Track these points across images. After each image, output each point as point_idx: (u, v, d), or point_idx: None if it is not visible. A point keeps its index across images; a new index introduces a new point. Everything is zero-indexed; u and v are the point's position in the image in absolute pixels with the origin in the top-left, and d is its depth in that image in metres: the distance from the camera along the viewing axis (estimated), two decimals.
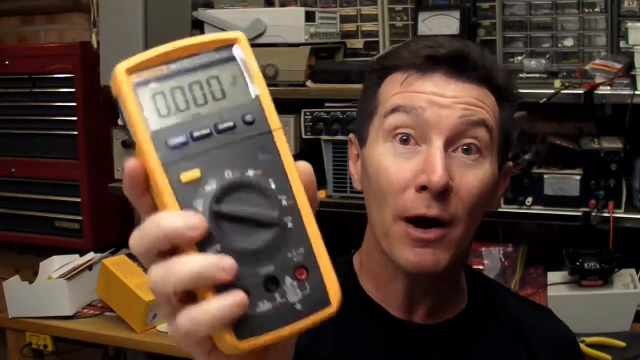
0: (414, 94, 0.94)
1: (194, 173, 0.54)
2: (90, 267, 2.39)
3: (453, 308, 1.04)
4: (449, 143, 0.92)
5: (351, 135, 1.06)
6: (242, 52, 0.57)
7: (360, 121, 1.02)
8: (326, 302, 0.55)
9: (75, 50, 2.76)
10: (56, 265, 2.41)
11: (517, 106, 1.03)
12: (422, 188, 0.90)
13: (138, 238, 0.54)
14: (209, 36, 0.57)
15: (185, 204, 0.53)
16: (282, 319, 0.53)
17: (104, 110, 2.67)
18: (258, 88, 0.57)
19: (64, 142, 2.82)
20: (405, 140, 0.94)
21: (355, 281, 1.04)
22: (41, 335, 2.40)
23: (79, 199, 2.82)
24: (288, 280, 0.54)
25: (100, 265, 2.29)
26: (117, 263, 2.28)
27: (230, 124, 0.55)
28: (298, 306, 0.54)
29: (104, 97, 2.58)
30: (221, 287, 0.52)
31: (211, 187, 0.54)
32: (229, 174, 0.54)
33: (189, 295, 0.53)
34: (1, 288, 2.47)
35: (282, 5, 2.51)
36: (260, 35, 2.32)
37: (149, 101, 0.55)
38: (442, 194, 0.90)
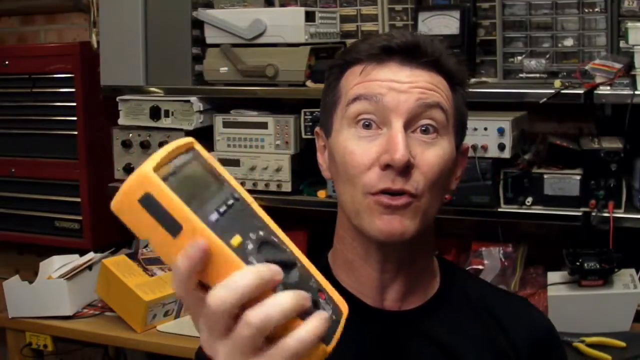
0: (372, 82, 1.02)
1: (237, 238, 0.65)
2: (90, 267, 2.39)
3: (426, 293, 1.10)
4: (408, 124, 1.00)
5: (317, 129, 1.14)
6: (199, 151, 0.70)
7: (324, 114, 1.10)
8: (341, 310, 0.72)
9: (75, 50, 2.75)
10: (56, 265, 2.41)
11: (467, 90, 1.11)
12: (387, 166, 0.98)
13: (226, 293, 0.63)
14: (176, 142, 0.68)
15: (245, 261, 0.64)
16: (334, 325, 0.69)
17: (104, 110, 2.67)
18: (225, 176, 0.70)
19: (64, 142, 2.82)
20: (367, 126, 1.02)
21: (329, 273, 1.10)
22: (41, 335, 2.40)
23: (79, 199, 2.82)
24: (320, 300, 0.69)
25: (100, 265, 2.29)
26: (117, 263, 2.28)
27: (232, 201, 0.68)
28: (334, 316, 0.70)
29: (104, 97, 2.58)
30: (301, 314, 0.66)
31: (251, 245, 0.66)
32: (253, 235, 0.67)
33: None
34: (1, 288, 2.47)
35: (282, 5, 2.50)
36: (260, 35, 2.32)
37: (175, 192, 0.64)
38: (405, 170, 0.98)
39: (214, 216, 0.64)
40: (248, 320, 0.62)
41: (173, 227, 0.63)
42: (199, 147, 0.70)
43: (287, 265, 0.67)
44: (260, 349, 0.64)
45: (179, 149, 0.67)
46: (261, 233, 0.68)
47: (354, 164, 1.00)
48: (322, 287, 0.71)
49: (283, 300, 0.63)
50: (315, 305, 0.68)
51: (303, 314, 0.65)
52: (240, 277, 0.62)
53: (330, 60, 1.14)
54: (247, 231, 0.66)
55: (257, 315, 0.62)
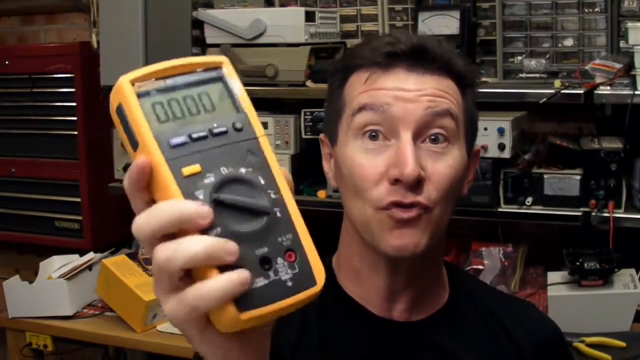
0: (378, 91, 0.98)
1: (194, 168, 0.61)
2: (90, 267, 2.39)
3: (434, 303, 1.06)
4: (417, 135, 0.96)
5: (321, 136, 1.10)
6: (227, 73, 0.66)
7: (328, 122, 1.06)
8: (312, 282, 0.63)
9: (75, 50, 2.75)
10: (56, 265, 2.41)
11: (478, 91, 1.07)
12: (396, 181, 0.94)
13: (144, 221, 0.59)
14: (197, 59, 0.65)
15: (187, 193, 0.60)
16: (276, 294, 0.60)
17: (104, 110, 2.65)
18: (244, 103, 0.65)
19: (64, 142, 2.82)
20: (374, 137, 0.97)
21: (333, 281, 1.06)
22: (41, 335, 2.40)
23: (79, 199, 2.82)
24: (280, 260, 0.61)
25: (100, 265, 2.29)
26: (117, 263, 2.28)
27: (223, 128, 0.63)
28: (289, 283, 0.61)
29: (104, 97, 2.58)
30: (223, 268, 0.58)
31: (210, 179, 0.61)
32: (224, 170, 0.62)
33: (187, 276, 0.59)
34: (1, 288, 2.47)
35: (282, 5, 2.50)
36: (260, 35, 2.32)
37: (149, 108, 0.62)
38: (415, 184, 0.94)
39: (177, 139, 0.61)
40: (154, 253, 0.59)
41: (133, 141, 0.62)
42: (228, 69, 0.66)
43: (251, 211, 0.61)
44: (175, 288, 0.59)
45: (193, 66, 0.64)
46: (241, 170, 0.62)
47: (362, 178, 0.96)
48: (298, 248, 0.63)
49: (190, 245, 0.57)
50: (265, 266, 0.60)
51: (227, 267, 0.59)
52: (162, 207, 0.59)
53: (332, 62, 1.10)
54: (218, 164, 0.62)
55: (161, 251, 0.58)
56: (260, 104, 2.45)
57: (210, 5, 2.48)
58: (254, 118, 0.65)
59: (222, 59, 0.66)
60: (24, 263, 3.09)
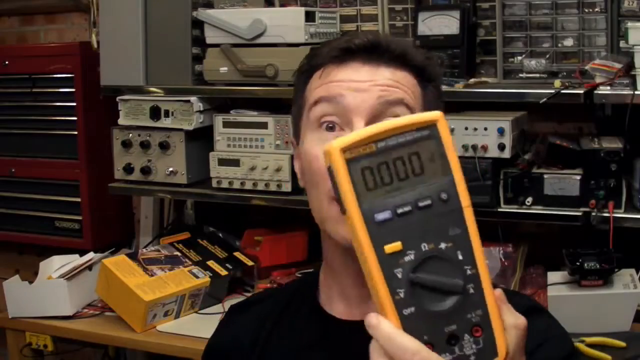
0: (332, 83, 1.00)
1: (396, 246, 0.64)
2: (90, 267, 2.39)
3: None
4: (371, 123, 0.96)
5: (292, 138, 1.12)
6: (440, 131, 0.66)
7: (294, 122, 1.08)
8: (494, 354, 0.66)
9: (75, 50, 2.76)
10: (56, 265, 2.41)
11: (440, 87, 1.07)
12: None
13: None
14: (412, 118, 0.66)
15: (387, 272, 0.63)
16: None
17: (104, 110, 2.67)
18: (453, 165, 0.66)
19: (64, 142, 2.82)
20: (331, 128, 0.99)
21: (313, 294, 1.10)
22: (41, 335, 2.40)
23: (79, 199, 2.82)
24: (466, 337, 0.65)
25: (100, 265, 2.29)
26: (117, 263, 2.28)
27: (428, 202, 0.65)
28: (472, 358, 0.65)
29: (104, 97, 2.58)
30: None
31: (410, 257, 0.64)
32: (424, 247, 0.64)
33: None
34: (1, 288, 2.47)
35: (282, 5, 2.50)
36: (260, 35, 2.32)
37: (358, 174, 0.64)
38: None
39: (383, 215, 0.63)
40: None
41: (341, 205, 0.65)
42: (442, 126, 0.66)
43: (444, 290, 0.64)
44: None
45: (407, 127, 0.65)
46: (441, 245, 0.64)
47: (318, 167, 0.97)
48: (486, 323, 0.65)
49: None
50: (452, 342, 0.64)
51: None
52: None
53: (299, 65, 1.12)
54: (420, 240, 0.64)
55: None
56: (260, 104, 2.46)
57: (210, 5, 2.48)
58: (461, 182, 0.67)
59: (437, 115, 0.66)
60: (24, 263, 3.09)
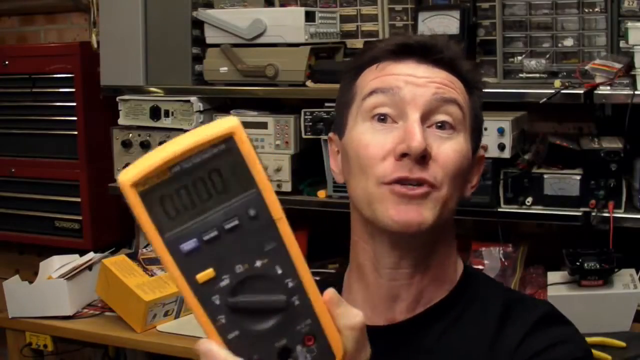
0: (389, 76, 1.01)
1: (208, 273, 0.61)
2: (90, 267, 2.39)
3: (433, 296, 1.03)
4: (424, 118, 0.98)
5: (331, 134, 1.11)
6: (239, 143, 0.61)
7: (338, 116, 1.08)
8: (332, 356, 0.65)
9: (75, 50, 2.75)
10: (56, 265, 2.41)
11: (482, 95, 1.09)
12: (402, 156, 0.95)
13: None
14: (204, 134, 0.60)
15: (203, 300, 0.61)
16: None
17: (104, 110, 2.67)
18: (257, 177, 0.62)
19: (64, 142, 2.82)
20: (382, 120, 0.99)
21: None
22: (41, 335, 2.40)
23: (79, 199, 2.82)
24: (299, 348, 0.63)
25: (100, 265, 2.28)
26: (117, 263, 2.27)
27: (236, 222, 0.61)
28: None
29: (104, 97, 2.58)
30: None
31: (225, 282, 0.61)
32: (239, 268, 0.61)
33: None
34: (1, 288, 2.47)
35: (282, 5, 2.50)
36: (260, 35, 2.32)
37: (157, 206, 0.60)
38: (422, 159, 0.95)
39: (189, 245, 0.60)
40: None
41: (147, 239, 0.62)
42: (239, 137, 0.61)
43: (267, 310, 0.62)
44: None
45: (201, 146, 0.60)
46: (257, 264, 0.62)
47: (368, 155, 0.97)
48: (317, 330, 0.64)
49: None
50: (284, 356, 0.63)
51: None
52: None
53: (343, 64, 1.13)
54: (232, 263, 0.61)
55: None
56: (260, 104, 2.46)
57: (210, 5, 2.48)
58: (269, 194, 0.62)
59: (233, 127, 0.61)
60: (24, 263, 3.09)
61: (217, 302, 0.61)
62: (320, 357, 0.64)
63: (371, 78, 1.03)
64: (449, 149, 0.98)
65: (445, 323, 1.02)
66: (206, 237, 0.61)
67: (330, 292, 0.68)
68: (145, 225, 0.61)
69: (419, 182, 0.95)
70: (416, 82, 1.00)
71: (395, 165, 0.95)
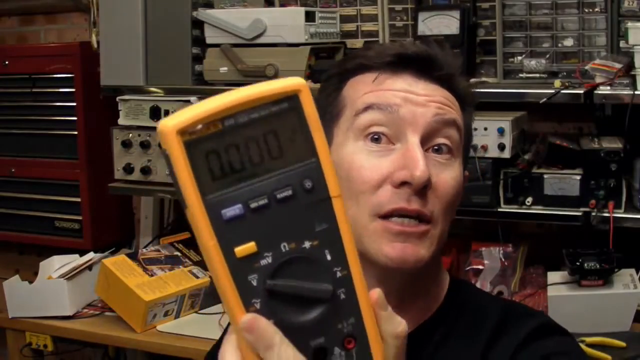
0: (387, 91, 0.93)
1: (249, 247, 0.53)
2: (90, 267, 2.39)
3: (420, 318, 0.98)
4: (423, 141, 0.91)
5: None
6: (303, 103, 0.55)
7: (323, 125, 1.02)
8: None
9: (75, 50, 2.75)
10: (56, 265, 2.41)
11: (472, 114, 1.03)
12: (402, 184, 0.88)
13: None
14: (267, 88, 0.54)
15: (239, 279, 0.53)
16: None
17: (104, 110, 2.67)
18: (318, 146, 0.55)
19: (64, 142, 2.82)
20: (376, 139, 0.91)
21: None
22: (41, 335, 2.40)
23: (79, 199, 2.82)
24: (337, 350, 0.55)
25: (100, 265, 2.29)
26: (117, 263, 2.27)
27: (289, 192, 0.53)
28: None
29: (104, 97, 2.58)
30: None
31: (266, 261, 0.53)
32: (284, 247, 0.54)
33: None
34: (1, 288, 2.47)
35: (282, 5, 2.50)
36: (260, 35, 2.32)
37: (202, 162, 0.52)
38: (423, 189, 0.88)
39: (232, 211, 0.52)
40: None
41: (182, 199, 0.53)
42: (305, 97, 0.55)
43: (309, 298, 0.54)
44: None
45: (261, 99, 0.53)
46: (305, 245, 0.54)
47: (362, 180, 0.89)
48: (359, 333, 0.56)
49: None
50: (318, 356, 0.54)
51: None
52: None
53: (329, 65, 1.06)
54: (279, 239, 0.53)
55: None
56: None
57: (210, 5, 2.48)
58: (328, 167, 0.55)
59: (299, 84, 0.55)
60: (24, 263, 3.09)
61: (254, 282, 0.53)
62: None
63: (365, 91, 0.94)
64: (448, 178, 0.92)
65: (435, 340, 0.98)
66: (253, 205, 0.52)
67: (377, 292, 0.60)
68: (184, 182, 0.52)
69: (418, 216, 0.89)
70: (416, 100, 0.92)
71: (392, 194, 0.88)
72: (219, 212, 0.52)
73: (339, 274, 0.55)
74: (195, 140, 0.52)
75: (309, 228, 0.54)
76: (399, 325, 0.61)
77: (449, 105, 0.94)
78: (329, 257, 0.55)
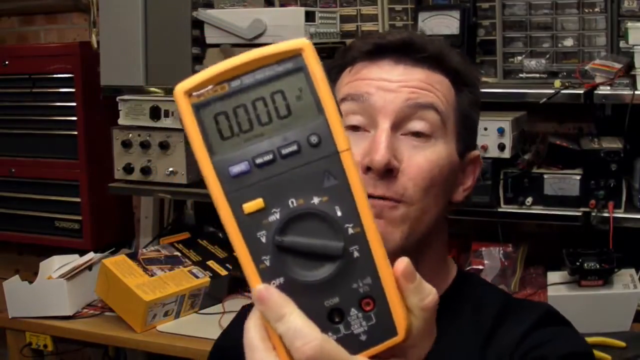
0: (361, 81, 0.96)
1: (257, 203, 0.53)
2: (90, 267, 2.39)
3: None
4: (397, 126, 0.93)
5: None
6: (308, 62, 0.55)
7: None
8: (393, 332, 0.54)
9: (75, 50, 2.75)
10: (56, 265, 2.41)
11: (478, 92, 1.02)
12: (368, 169, 0.91)
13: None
14: (271, 48, 0.55)
15: (248, 235, 0.53)
16: (346, 350, 0.52)
17: (104, 110, 2.67)
18: (325, 102, 0.55)
19: (64, 142, 2.82)
20: (355, 128, 0.94)
21: None
22: (41, 335, 2.40)
23: (79, 199, 2.82)
24: (353, 311, 0.53)
25: (100, 265, 2.29)
26: (117, 263, 2.28)
27: (295, 147, 0.54)
28: (363, 337, 0.53)
29: (104, 97, 2.58)
30: None
31: (274, 217, 0.53)
32: (293, 203, 0.53)
33: None
34: (1, 288, 2.47)
35: (282, 5, 2.50)
36: (260, 35, 2.32)
37: (210, 123, 0.54)
38: (386, 173, 0.90)
39: (238, 167, 0.53)
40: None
41: (195, 157, 0.55)
42: (309, 56, 0.54)
43: (319, 255, 0.53)
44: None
45: (265, 59, 0.54)
46: (314, 200, 0.53)
47: None
48: (378, 293, 0.53)
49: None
50: (335, 319, 0.53)
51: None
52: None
53: (330, 61, 1.09)
54: (286, 195, 0.53)
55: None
56: None
57: (210, 5, 2.48)
58: (336, 122, 0.54)
59: (302, 43, 0.55)
60: (24, 263, 3.09)
61: (263, 239, 0.53)
62: (379, 330, 0.53)
63: (345, 82, 0.97)
64: (421, 160, 0.93)
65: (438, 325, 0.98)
66: (259, 161, 0.53)
67: (405, 261, 0.56)
68: (194, 142, 0.54)
69: (383, 199, 0.90)
70: (388, 87, 0.94)
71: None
72: (227, 169, 0.53)
73: (350, 231, 0.53)
74: (203, 102, 0.54)
75: (317, 184, 0.54)
76: (429, 294, 0.57)
77: (426, 89, 0.95)
78: (339, 213, 0.53)
